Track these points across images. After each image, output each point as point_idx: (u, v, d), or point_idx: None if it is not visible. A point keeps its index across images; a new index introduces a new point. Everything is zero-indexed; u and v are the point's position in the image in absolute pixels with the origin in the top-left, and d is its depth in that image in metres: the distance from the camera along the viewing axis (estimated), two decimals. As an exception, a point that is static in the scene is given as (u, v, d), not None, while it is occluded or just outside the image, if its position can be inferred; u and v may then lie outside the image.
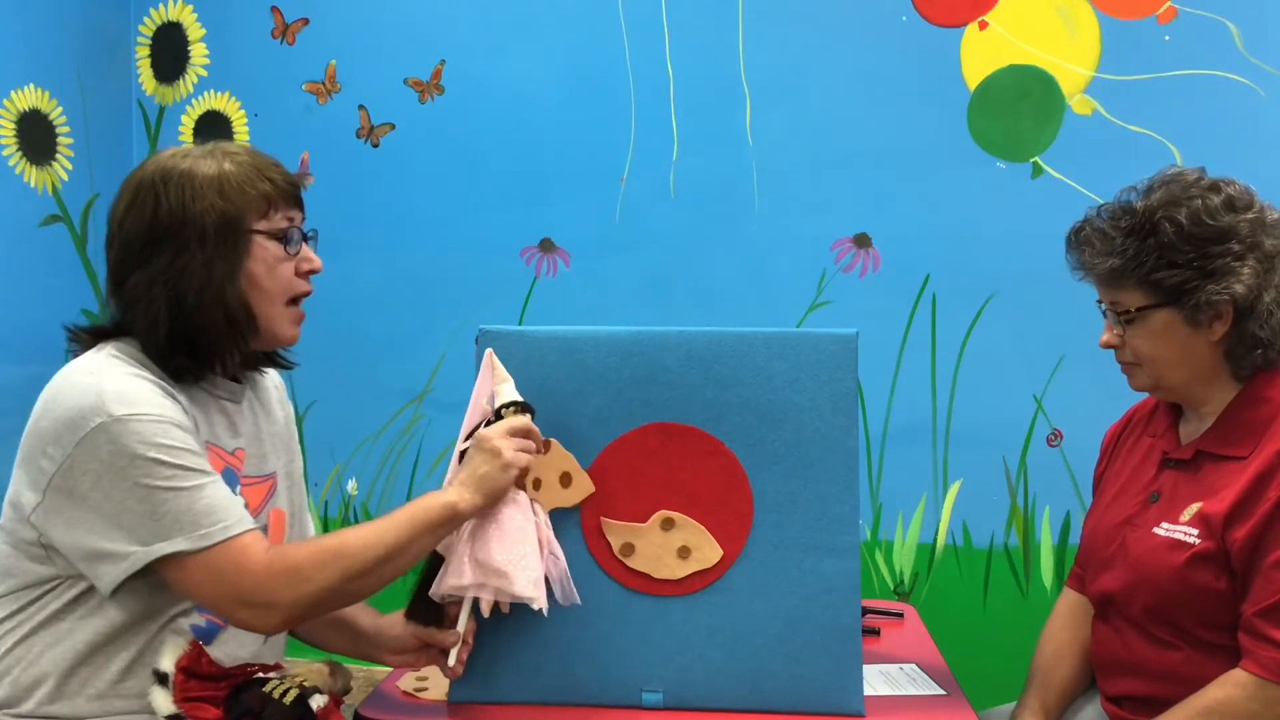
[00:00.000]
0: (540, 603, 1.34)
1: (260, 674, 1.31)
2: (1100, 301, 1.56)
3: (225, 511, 1.25)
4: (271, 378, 1.55)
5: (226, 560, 1.23)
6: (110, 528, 1.23)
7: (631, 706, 1.41)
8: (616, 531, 1.43)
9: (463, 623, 1.40)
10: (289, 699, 1.24)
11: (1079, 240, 1.54)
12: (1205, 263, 1.43)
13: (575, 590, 1.40)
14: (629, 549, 1.42)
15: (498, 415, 1.39)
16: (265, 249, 1.34)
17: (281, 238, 1.36)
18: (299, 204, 1.40)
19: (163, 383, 1.30)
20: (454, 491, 1.33)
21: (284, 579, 1.24)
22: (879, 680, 1.54)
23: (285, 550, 1.27)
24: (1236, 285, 1.42)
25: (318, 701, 1.25)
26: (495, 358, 1.42)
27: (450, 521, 1.33)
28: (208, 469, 1.27)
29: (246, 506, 1.36)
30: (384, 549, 1.28)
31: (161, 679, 1.25)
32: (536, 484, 1.41)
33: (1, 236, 2.80)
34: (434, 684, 1.50)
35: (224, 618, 1.30)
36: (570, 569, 1.40)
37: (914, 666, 1.61)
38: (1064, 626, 1.68)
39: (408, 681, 1.53)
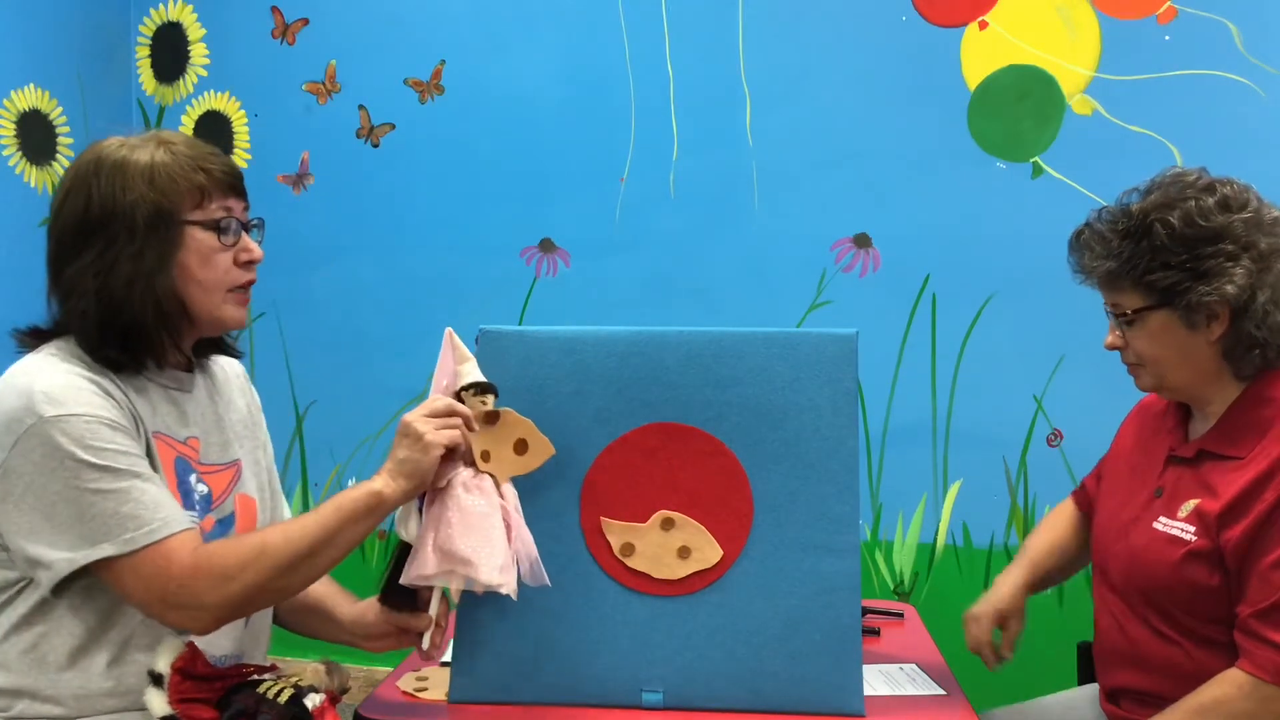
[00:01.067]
0: (509, 589, 1.32)
1: (255, 674, 1.31)
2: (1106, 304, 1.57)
3: (151, 515, 1.23)
4: (233, 366, 1.54)
5: (151, 564, 1.22)
6: (44, 530, 1.23)
7: (631, 706, 1.41)
8: (616, 531, 1.43)
9: (434, 607, 1.39)
10: (283, 698, 1.24)
11: (1079, 244, 1.55)
12: (1196, 264, 1.43)
13: (545, 572, 1.37)
14: (629, 549, 1.42)
15: (458, 398, 1.37)
16: (199, 239, 1.33)
17: (216, 228, 1.34)
18: (239, 193, 1.38)
19: (100, 378, 1.28)
20: (379, 479, 1.31)
21: (208, 580, 1.23)
22: (879, 680, 1.53)
23: (211, 550, 1.26)
24: (1227, 286, 1.42)
25: (313, 700, 1.25)
26: (456, 337, 1.40)
27: (377, 509, 1.30)
28: (138, 469, 1.25)
29: (210, 494, 1.36)
30: (309, 543, 1.27)
31: (156, 680, 1.24)
32: (485, 456, 1.37)
33: (1, 236, 2.80)
34: (434, 684, 1.50)
35: (155, 619, 1.28)
36: (570, 569, 1.40)
37: (914, 666, 1.61)
38: (1067, 527, 1.78)
39: (407, 681, 1.52)
